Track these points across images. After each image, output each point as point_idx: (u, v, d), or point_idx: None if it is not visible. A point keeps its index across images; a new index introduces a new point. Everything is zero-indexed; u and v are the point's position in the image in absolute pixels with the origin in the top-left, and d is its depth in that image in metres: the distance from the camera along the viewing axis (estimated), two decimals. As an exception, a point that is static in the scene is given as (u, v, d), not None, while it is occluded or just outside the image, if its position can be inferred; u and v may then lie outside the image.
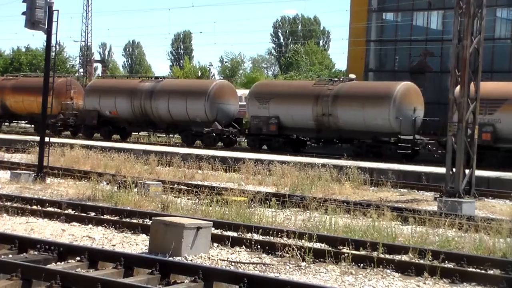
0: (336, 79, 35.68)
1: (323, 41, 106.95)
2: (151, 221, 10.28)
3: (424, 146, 30.00)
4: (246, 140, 36.59)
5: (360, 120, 30.75)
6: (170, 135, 40.09)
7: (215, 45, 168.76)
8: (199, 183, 18.98)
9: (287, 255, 9.87)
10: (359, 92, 31.67)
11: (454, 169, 17.88)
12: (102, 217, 12.60)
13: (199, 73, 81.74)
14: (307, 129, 32.88)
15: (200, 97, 34.99)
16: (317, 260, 9.74)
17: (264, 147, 34.25)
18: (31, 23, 18.02)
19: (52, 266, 8.42)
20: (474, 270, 9.46)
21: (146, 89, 37.27)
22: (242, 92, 44.47)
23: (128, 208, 13.51)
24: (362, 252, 10.16)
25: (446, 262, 9.70)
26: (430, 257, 9.61)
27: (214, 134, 35.02)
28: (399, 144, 29.71)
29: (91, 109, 38.73)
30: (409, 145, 29.67)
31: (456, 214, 14.00)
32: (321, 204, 14.13)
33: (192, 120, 35.47)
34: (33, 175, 18.34)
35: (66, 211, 13.10)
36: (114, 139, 38.61)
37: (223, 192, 15.63)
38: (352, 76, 35.35)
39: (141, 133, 44.10)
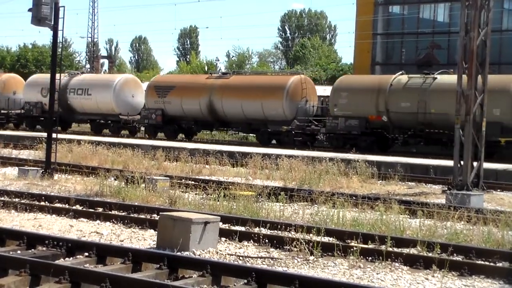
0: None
1: (329, 35, 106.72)
2: (158, 216, 10.28)
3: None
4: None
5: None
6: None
7: (222, 40, 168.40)
8: (207, 178, 18.99)
9: (295, 249, 9.86)
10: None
11: (462, 162, 17.82)
12: (110, 212, 12.62)
13: (206, 68, 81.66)
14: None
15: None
16: (325, 254, 9.73)
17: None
18: (38, 19, 18.03)
19: (60, 261, 8.42)
20: (482, 262, 9.43)
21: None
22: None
23: (136, 203, 13.52)
24: (370, 246, 10.14)
25: (455, 255, 9.68)
26: (439, 250, 9.57)
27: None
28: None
29: None
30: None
31: (465, 207, 13.96)
32: (329, 198, 14.11)
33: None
34: (41, 171, 18.39)
35: (74, 207, 13.13)
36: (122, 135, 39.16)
37: (230, 186, 15.62)
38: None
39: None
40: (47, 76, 46.96)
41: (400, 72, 32.30)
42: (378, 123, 30.95)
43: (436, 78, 29.89)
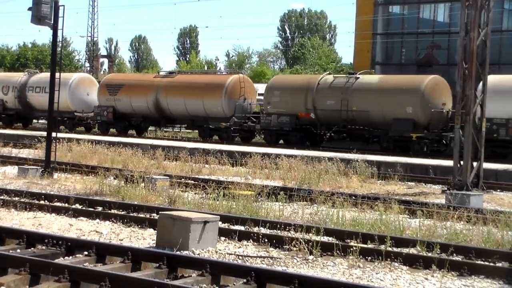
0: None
1: (329, 35, 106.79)
2: (158, 216, 10.27)
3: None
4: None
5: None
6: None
7: (222, 39, 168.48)
8: (206, 177, 18.97)
9: (295, 248, 9.85)
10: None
11: (462, 162, 17.82)
12: (109, 211, 12.61)
13: (206, 68, 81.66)
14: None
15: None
16: (324, 254, 9.72)
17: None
18: (37, 18, 18.03)
19: (60, 260, 8.42)
20: (482, 262, 9.42)
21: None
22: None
23: (135, 202, 13.51)
24: (370, 245, 10.13)
25: (454, 255, 9.67)
26: (438, 250, 9.57)
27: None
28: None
29: None
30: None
31: (464, 207, 13.95)
32: (329, 198, 14.10)
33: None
34: (41, 170, 18.38)
35: (73, 206, 13.11)
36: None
37: (230, 186, 15.61)
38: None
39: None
40: (8, 74, 49.41)
41: (327, 72, 34.67)
42: (307, 120, 32.71)
43: (358, 77, 31.69)
